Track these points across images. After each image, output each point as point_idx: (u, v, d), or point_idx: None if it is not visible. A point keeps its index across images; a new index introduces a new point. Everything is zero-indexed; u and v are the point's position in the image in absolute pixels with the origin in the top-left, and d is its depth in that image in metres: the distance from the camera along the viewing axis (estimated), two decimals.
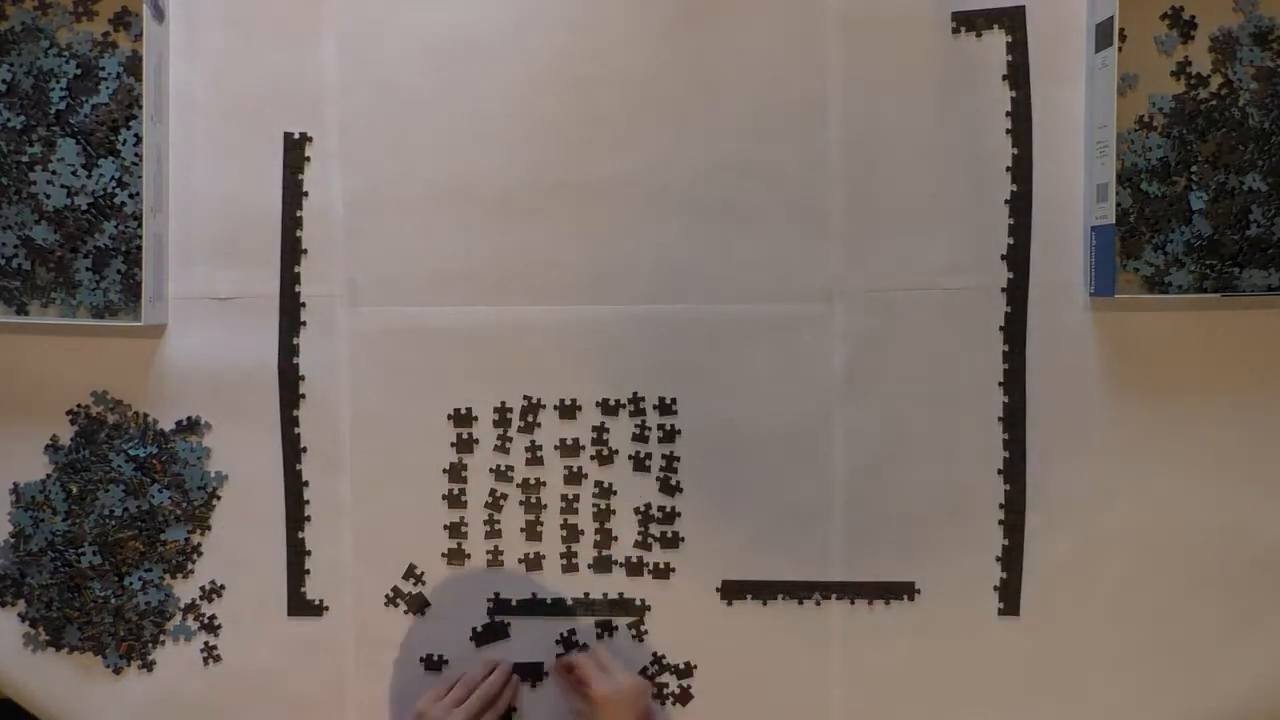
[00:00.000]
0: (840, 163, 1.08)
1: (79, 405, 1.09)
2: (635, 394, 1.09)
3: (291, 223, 1.09)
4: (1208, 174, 1.05)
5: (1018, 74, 1.07)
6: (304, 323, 1.10)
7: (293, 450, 1.09)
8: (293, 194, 1.09)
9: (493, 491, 1.10)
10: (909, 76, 1.07)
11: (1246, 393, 1.07)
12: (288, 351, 1.09)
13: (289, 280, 1.09)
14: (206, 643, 1.09)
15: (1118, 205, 1.03)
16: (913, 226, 1.08)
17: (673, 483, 1.09)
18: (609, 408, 1.09)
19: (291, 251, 1.09)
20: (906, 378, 1.08)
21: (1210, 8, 1.06)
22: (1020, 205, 1.08)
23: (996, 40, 1.07)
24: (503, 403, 1.09)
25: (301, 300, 1.10)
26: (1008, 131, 1.08)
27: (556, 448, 1.09)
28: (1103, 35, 1.03)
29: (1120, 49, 1.02)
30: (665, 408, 1.09)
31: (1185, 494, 1.07)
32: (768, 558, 1.09)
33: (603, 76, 1.08)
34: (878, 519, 1.08)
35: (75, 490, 1.08)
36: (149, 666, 1.09)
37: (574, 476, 1.10)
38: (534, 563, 1.10)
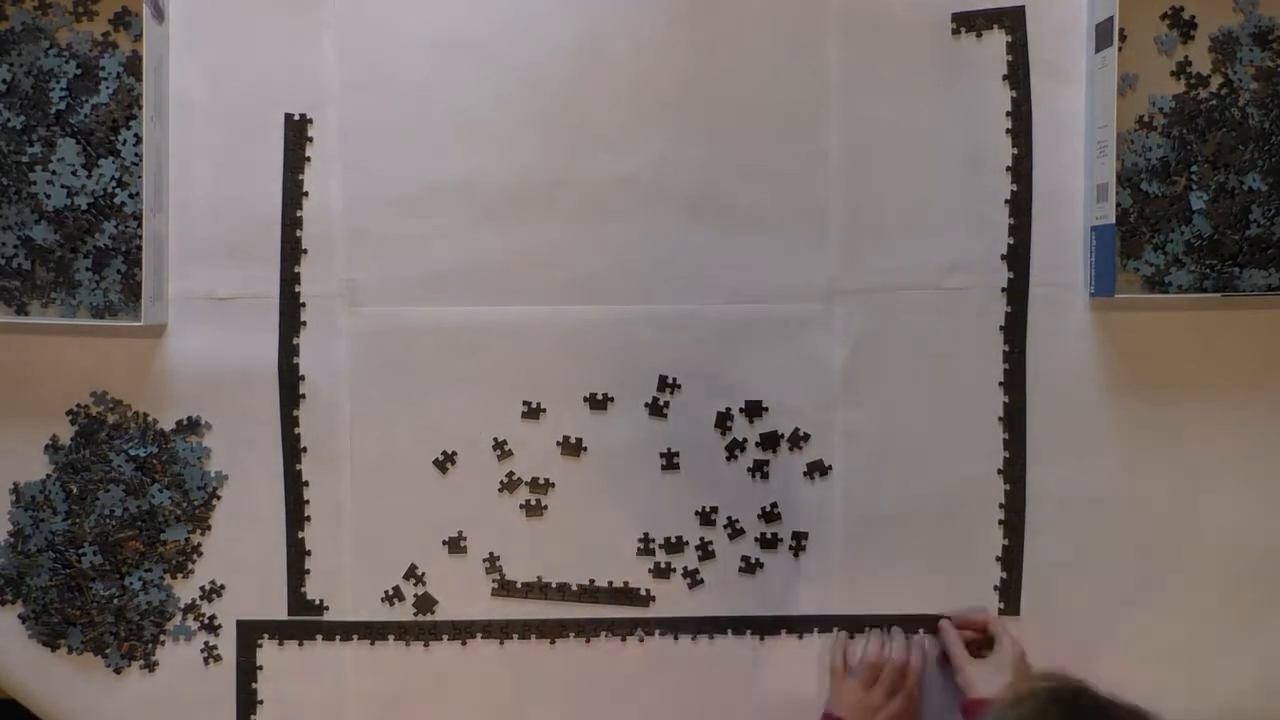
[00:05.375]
0: (840, 163, 1.08)
1: (79, 405, 1.09)
2: (635, 393, 1.09)
3: (291, 223, 1.09)
4: (1208, 174, 1.05)
5: (1017, 74, 1.07)
6: (304, 323, 1.09)
7: (293, 450, 1.09)
8: (293, 194, 1.09)
9: (493, 492, 1.10)
10: (909, 76, 1.07)
11: (1246, 393, 1.07)
12: (288, 351, 1.09)
13: (289, 280, 1.09)
14: (206, 643, 1.09)
15: (1118, 205, 1.03)
16: (913, 226, 1.08)
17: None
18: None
19: (291, 251, 1.09)
20: (906, 378, 1.08)
21: (1210, 8, 1.06)
22: (1020, 205, 1.08)
23: (996, 40, 1.07)
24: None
25: (301, 300, 1.09)
26: (1008, 131, 1.08)
27: (558, 444, 1.09)
28: (1103, 35, 1.03)
29: (1120, 49, 1.02)
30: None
31: (1185, 493, 1.07)
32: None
33: (603, 76, 1.08)
34: (878, 519, 1.09)
35: (75, 490, 1.08)
36: (150, 667, 1.09)
37: (574, 477, 1.10)
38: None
